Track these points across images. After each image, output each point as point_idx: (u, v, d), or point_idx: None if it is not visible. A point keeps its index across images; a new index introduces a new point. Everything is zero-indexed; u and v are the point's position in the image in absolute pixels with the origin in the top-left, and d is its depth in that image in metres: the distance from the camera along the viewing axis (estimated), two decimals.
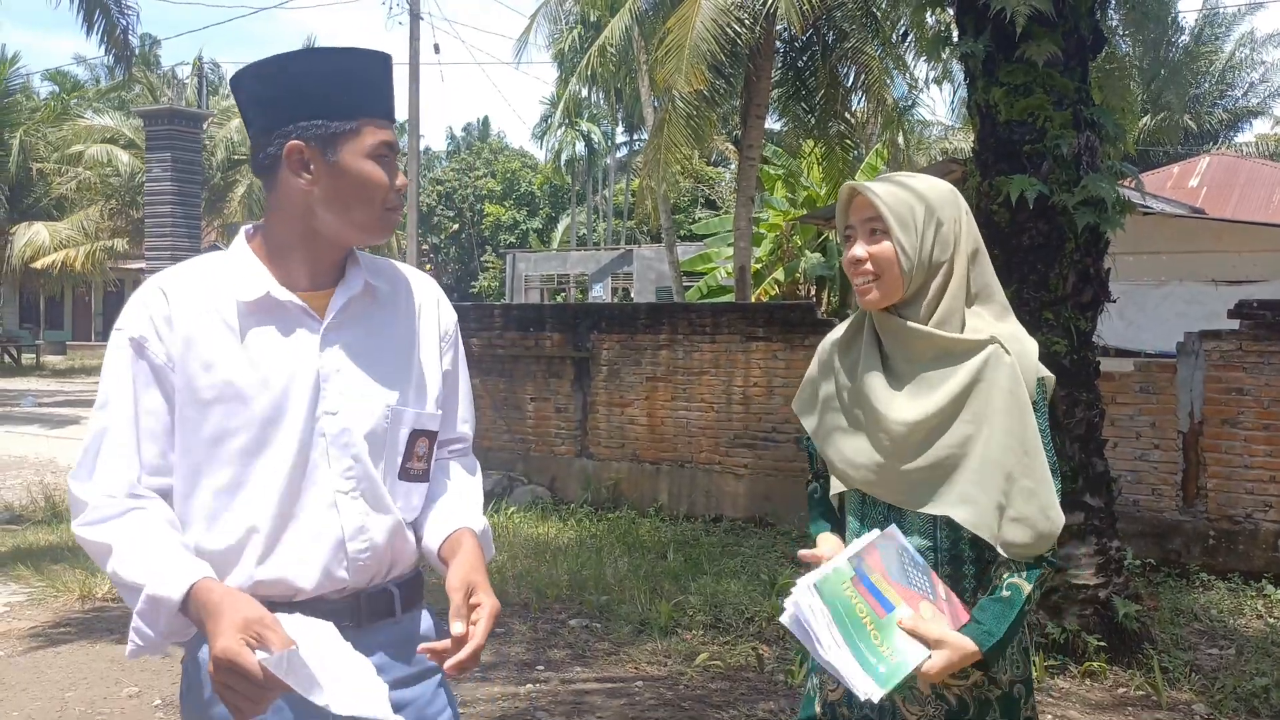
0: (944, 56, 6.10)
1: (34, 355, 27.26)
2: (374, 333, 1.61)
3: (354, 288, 1.59)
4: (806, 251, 19.25)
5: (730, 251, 17.28)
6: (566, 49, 27.68)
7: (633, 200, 38.85)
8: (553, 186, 48.50)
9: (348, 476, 1.54)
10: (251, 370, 1.51)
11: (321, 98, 1.51)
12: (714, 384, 8.32)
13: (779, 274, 19.33)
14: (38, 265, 23.62)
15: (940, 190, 1.75)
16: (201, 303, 1.52)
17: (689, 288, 20.79)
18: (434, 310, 1.72)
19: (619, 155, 43.74)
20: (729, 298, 16.50)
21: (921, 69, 16.98)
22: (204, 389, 1.50)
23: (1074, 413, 4.98)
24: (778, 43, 13.60)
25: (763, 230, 19.59)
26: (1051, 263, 4.97)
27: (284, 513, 1.51)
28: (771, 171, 20.33)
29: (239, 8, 62.10)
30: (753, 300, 15.75)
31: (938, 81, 19.94)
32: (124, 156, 23.23)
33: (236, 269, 1.55)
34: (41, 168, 25.05)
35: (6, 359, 25.86)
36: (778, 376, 8.04)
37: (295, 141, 1.51)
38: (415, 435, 1.61)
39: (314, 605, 1.50)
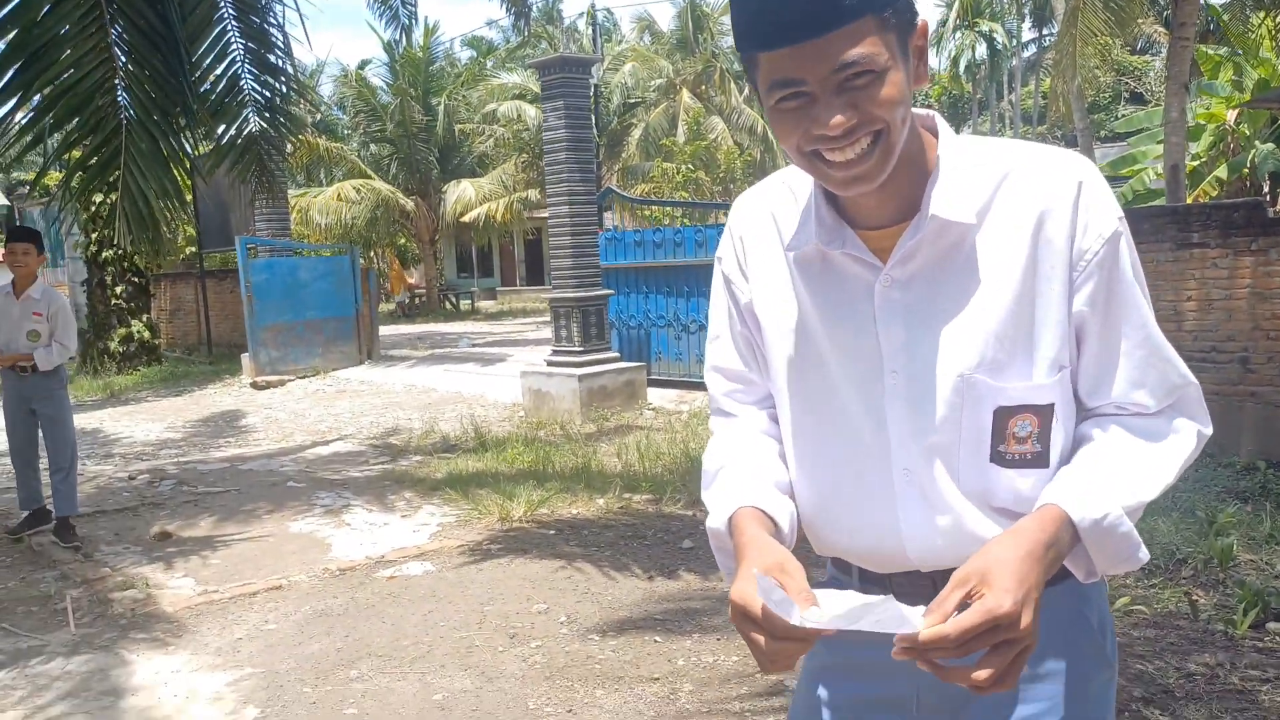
0: None
1: (469, 301, 30.44)
2: (952, 276, 1.23)
3: (924, 223, 1.22)
4: (1257, 143, 16.64)
5: (1160, 150, 15.29)
6: None
7: (1043, 104, 35.86)
8: (951, 96, 45.93)
9: (905, 461, 1.28)
10: (803, 324, 1.32)
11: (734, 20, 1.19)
12: None
13: (1221, 171, 16.90)
14: (466, 219, 26.16)
15: None
16: (767, 238, 1.36)
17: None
18: (1064, 225, 1.21)
19: (1026, 55, 40.41)
20: (1160, 202, 14.64)
21: None
22: (768, 332, 1.37)
23: None
24: None
25: (1201, 122, 17.17)
26: None
27: (836, 479, 1.34)
28: (1212, 53, 17.71)
29: None
30: (1189, 203, 13.86)
31: None
32: (530, 110, 24.75)
33: (798, 201, 1.32)
34: (463, 128, 27.49)
35: (447, 305, 29.03)
36: (1217, 288, 6.94)
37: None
38: (1006, 412, 1.23)
39: (881, 580, 1.34)
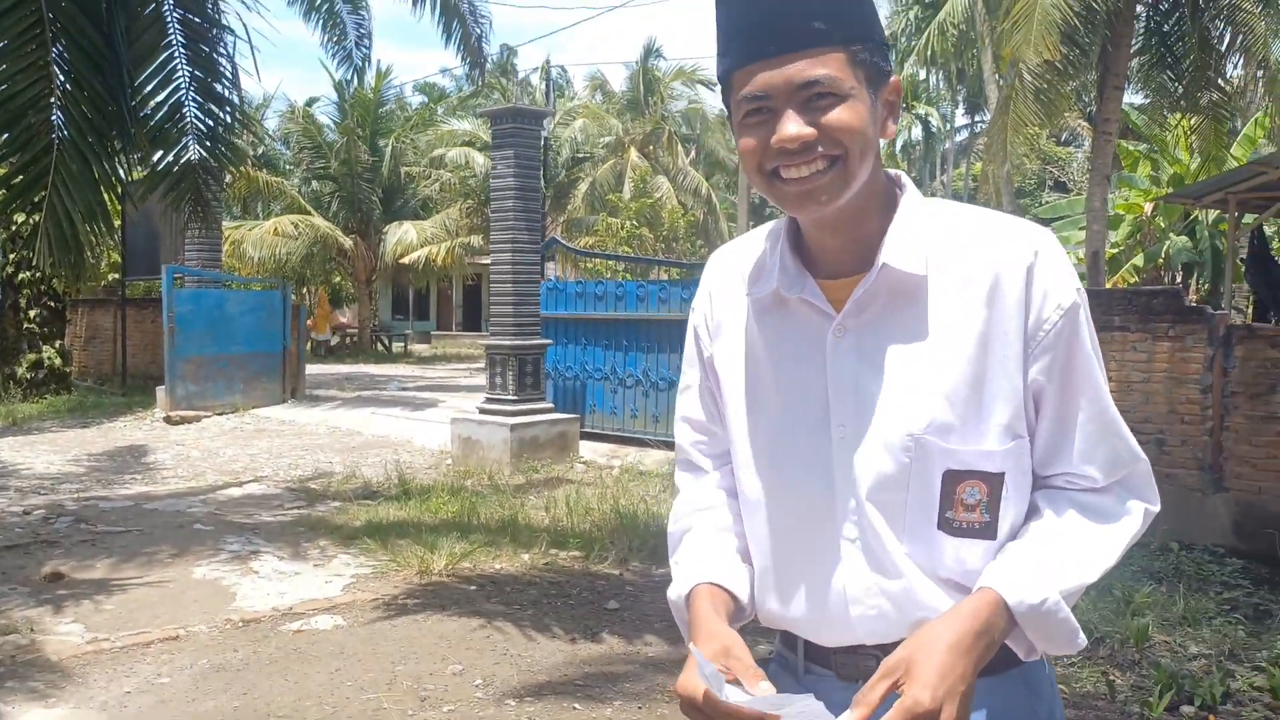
0: None
1: (403, 344, 30.10)
2: (905, 332, 1.21)
3: (875, 275, 1.21)
4: (1171, 235, 17.35)
5: (1081, 236, 15.85)
6: (900, 31, 26.76)
7: (974, 186, 37.04)
8: None
9: (850, 520, 1.24)
10: (756, 375, 1.31)
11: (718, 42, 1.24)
12: None
13: (1138, 259, 17.57)
14: (405, 261, 26.07)
15: None
16: (735, 290, 1.36)
17: None
18: (1018, 293, 1.19)
19: (959, 139, 41.75)
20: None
21: None
22: (724, 383, 1.36)
23: None
24: (1139, 5, 12.24)
25: (1120, 212, 17.87)
26: None
27: (783, 545, 1.31)
28: (1131, 148, 18.51)
29: (584, 8, 66.02)
30: (1110, 287, 14.36)
31: None
32: (479, 158, 25.00)
33: (768, 251, 1.32)
34: (409, 171, 27.58)
35: (379, 347, 28.69)
36: (1136, 371, 7.13)
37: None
38: (955, 476, 1.20)
39: (825, 657, 1.31)
